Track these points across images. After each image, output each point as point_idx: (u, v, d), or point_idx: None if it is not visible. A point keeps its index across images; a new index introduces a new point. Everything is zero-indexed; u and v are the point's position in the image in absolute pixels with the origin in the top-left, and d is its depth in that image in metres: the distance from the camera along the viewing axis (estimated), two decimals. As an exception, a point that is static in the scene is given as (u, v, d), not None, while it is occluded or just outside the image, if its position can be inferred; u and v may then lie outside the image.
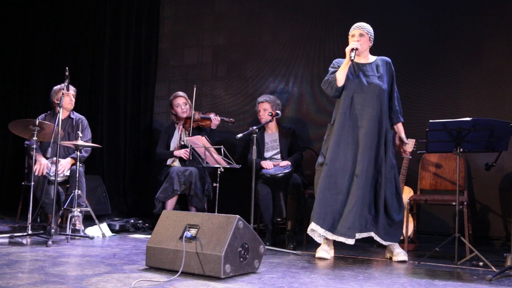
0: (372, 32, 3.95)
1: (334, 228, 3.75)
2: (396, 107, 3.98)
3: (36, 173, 4.54)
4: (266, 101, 4.86)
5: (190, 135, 4.98)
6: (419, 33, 5.23)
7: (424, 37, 5.20)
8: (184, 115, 5.20)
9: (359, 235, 3.75)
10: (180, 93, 5.28)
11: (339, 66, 3.93)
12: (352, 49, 3.78)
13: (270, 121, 4.66)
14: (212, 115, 5.10)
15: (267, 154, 4.81)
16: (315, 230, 3.79)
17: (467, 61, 5.06)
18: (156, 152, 5.27)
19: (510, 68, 4.91)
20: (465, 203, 4.20)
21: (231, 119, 5.19)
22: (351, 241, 3.71)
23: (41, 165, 4.60)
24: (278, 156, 4.78)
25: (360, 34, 3.89)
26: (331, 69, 3.99)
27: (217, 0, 6.25)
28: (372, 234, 3.78)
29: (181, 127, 5.23)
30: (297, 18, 5.79)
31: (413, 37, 5.25)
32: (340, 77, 3.83)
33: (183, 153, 5.04)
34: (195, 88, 5.12)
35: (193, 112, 5.11)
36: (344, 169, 3.78)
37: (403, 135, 4.04)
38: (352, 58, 3.76)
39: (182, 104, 5.19)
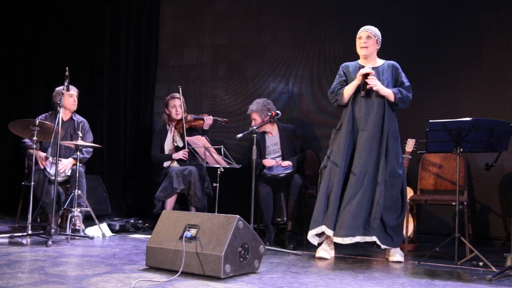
0: (380, 35, 3.97)
1: (335, 229, 3.76)
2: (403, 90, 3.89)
3: (42, 167, 4.67)
4: (253, 111, 4.76)
5: (185, 135, 4.99)
6: (419, 33, 5.23)
7: (424, 37, 5.20)
8: (178, 117, 5.20)
9: (362, 239, 3.73)
10: (177, 94, 5.28)
11: (344, 73, 4.00)
12: (364, 75, 3.80)
13: (270, 121, 4.63)
14: (205, 116, 5.12)
15: (268, 158, 4.78)
16: (326, 233, 3.78)
17: (467, 61, 5.06)
18: (152, 155, 5.25)
19: (510, 68, 4.91)
20: (465, 203, 4.20)
21: (224, 119, 5.17)
22: (348, 240, 3.71)
23: (40, 158, 4.69)
24: (280, 159, 4.75)
25: (368, 36, 3.92)
26: (337, 78, 4.03)
27: (217, 0, 6.25)
28: (374, 238, 3.76)
29: (173, 128, 5.23)
30: (297, 18, 5.79)
31: (413, 37, 5.24)
32: (346, 96, 3.91)
33: (181, 155, 5.05)
34: (180, 89, 5.16)
35: (184, 115, 5.13)
36: (345, 171, 3.81)
37: (383, 92, 3.81)
38: (363, 95, 3.82)
39: (177, 106, 5.20)
